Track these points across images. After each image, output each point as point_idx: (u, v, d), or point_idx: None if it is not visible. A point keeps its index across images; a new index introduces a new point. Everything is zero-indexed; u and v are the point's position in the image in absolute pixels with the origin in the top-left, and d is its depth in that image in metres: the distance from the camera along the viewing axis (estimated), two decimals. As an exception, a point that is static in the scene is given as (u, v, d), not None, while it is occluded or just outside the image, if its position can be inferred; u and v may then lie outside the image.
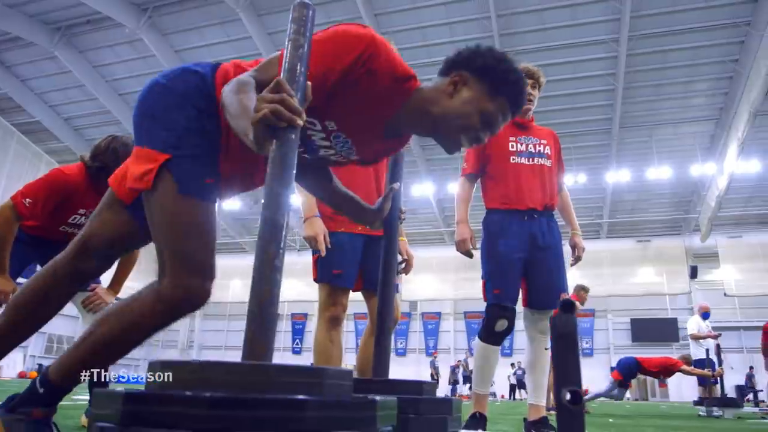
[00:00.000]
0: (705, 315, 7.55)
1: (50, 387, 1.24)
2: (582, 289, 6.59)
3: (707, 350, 7.37)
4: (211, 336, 24.56)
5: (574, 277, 4.19)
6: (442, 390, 17.78)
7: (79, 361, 1.20)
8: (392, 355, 1.66)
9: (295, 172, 0.90)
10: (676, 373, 7.36)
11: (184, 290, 1.14)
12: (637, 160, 17.84)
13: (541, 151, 2.70)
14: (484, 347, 2.55)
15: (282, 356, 22.29)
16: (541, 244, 2.56)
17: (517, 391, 17.69)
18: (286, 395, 0.70)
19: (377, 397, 0.81)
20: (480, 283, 2.62)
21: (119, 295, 2.49)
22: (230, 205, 20.60)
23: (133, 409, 0.69)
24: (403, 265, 2.39)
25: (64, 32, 15.52)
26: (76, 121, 19.25)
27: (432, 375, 17.76)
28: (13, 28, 14.75)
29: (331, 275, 2.28)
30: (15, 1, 14.12)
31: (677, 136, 17.56)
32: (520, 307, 2.58)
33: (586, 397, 6.99)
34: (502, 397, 18.86)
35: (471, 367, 13.14)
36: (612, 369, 10.33)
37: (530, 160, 2.67)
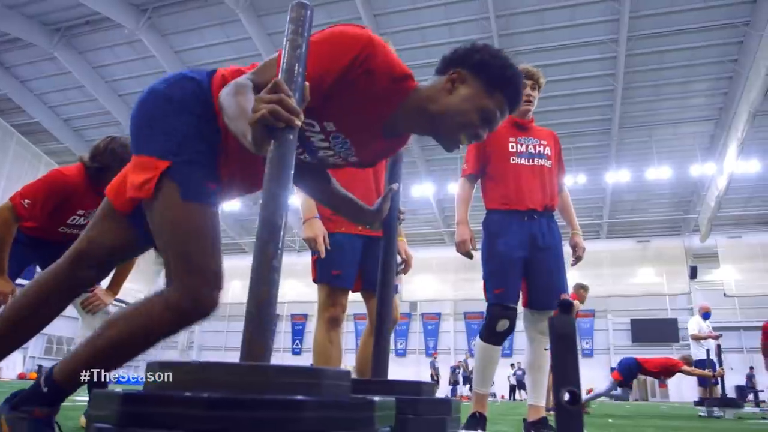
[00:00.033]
0: (706, 315, 7.54)
1: (54, 387, 1.24)
2: (581, 288, 6.57)
3: (708, 351, 7.37)
4: (210, 337, 24.53)
5: (573, 277, 4.19)
6: (443, 391, 17.77)
7: (85, 363, 1.20)
8: (392, 356, 1.66)
9: (293, 173, 0.90)
10: (677, 374, 7.35)
11: (192, 297, 1.13)
12: (636, 160, 17.85)
13: (541, 151, 2.71)
14: (485, 347, 2.56)
15: (282, 357, 22.29)
16: (541, 245, 2.56)
17: (516, 391, 17.69)
18: (284, 396, 0.70)
19: (375, 398, 0.81)
20: (480, 284, 2.62)
21: (118, 296, 2.50)
22: (230, 205, 20.58)
23: (130, 409, 0.69)
24: (402, 266, 2.39)
25: (63, 33, 15.53)
26: (75, 122, 19.26)
27: (432, 376, 17.76)
28: (13, 29, 14.76)
29: (331, 276, 2.28)
30: (14, 2, 14.13)
31: (677, 137, 17.57)
32: (520, 308, 2.59)
33: (587, 396, 6.97)
34: (502, 397, 18.86)
35: (471, 367, 13.16)
36: (612, 369, 10.32)
37: (530, 160, 2.67)
